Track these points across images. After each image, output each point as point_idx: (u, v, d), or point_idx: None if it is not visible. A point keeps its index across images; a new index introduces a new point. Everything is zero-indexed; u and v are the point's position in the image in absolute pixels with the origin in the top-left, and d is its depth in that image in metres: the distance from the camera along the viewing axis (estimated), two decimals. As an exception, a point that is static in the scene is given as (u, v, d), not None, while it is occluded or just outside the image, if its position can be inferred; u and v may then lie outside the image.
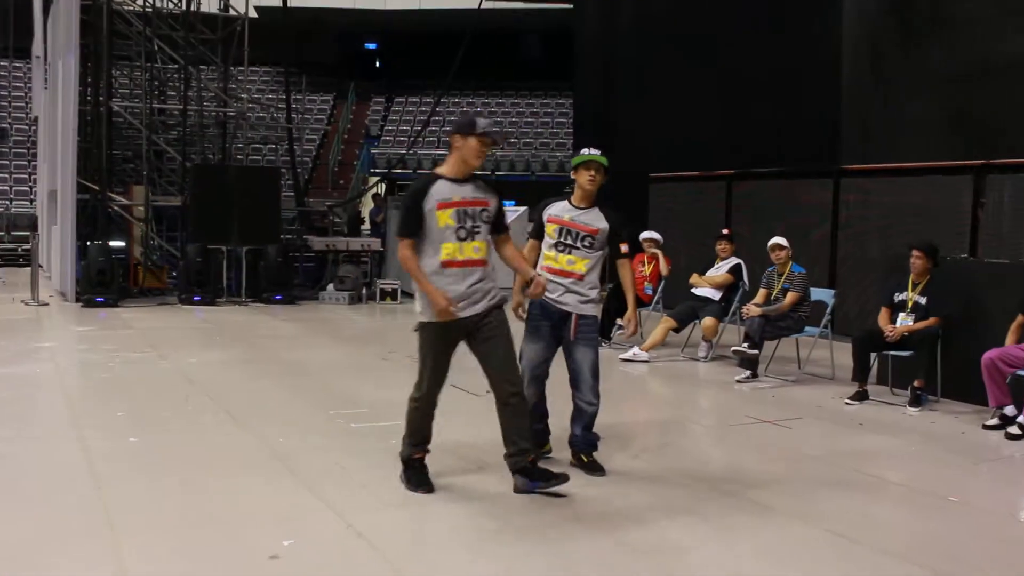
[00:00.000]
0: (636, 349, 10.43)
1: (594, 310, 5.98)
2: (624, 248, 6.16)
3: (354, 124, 33.03)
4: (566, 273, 5.90)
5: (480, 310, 5.37)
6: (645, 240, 11.81)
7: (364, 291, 16.68)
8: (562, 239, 5.93)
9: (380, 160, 29.25)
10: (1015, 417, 7.26)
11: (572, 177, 6.04)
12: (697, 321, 10.73)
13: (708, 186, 15.53)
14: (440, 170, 5.41)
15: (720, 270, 10.88)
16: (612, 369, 10.10)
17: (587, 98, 22.44)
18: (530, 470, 5.44)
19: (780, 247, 9.81)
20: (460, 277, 5.27)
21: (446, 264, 5.23)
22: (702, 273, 10.99)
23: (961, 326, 8.30)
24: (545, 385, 6.12)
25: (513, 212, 21.34)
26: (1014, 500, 5.82)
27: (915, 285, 8.44)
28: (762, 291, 9.93)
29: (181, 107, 18.90)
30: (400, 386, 8.73)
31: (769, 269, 10.00)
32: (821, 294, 10.09)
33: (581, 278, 5.92)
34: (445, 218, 5.19)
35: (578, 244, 5.93)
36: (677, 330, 10.75)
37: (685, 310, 10.78)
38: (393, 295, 16.60)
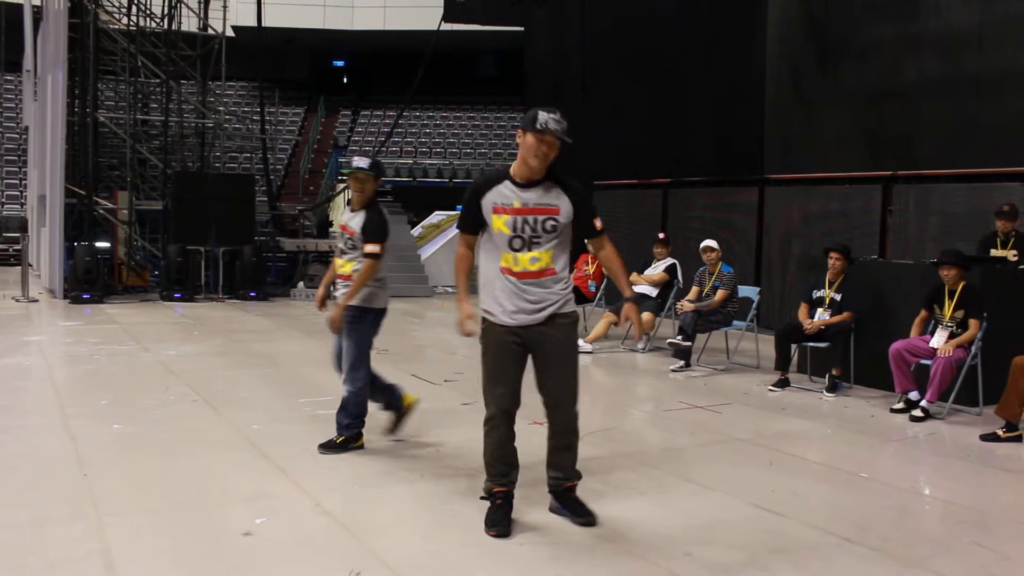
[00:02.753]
0: (580, 341, 10.41)
1: (360, 301, 5.66)
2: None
3: (323, 135, 32.79)
4: (341, 277, 5.61)
5: (539, 320, 4.40)
6: (590, 242, 11.84)
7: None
8: (340, 245, 5.32)
9: (347, 168, 29.05)
10: (918, 401, 7.37)
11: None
12: (636, 316, 10.78)
13: (646, 193, 15.63)
14: (512, 168, 4.44)
15: (657, 269, 10.93)
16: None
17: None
18: (563, 498, 4.71)
19: (711, 249, 9.88)
20: (515, 289, 4.37)
21: (504, 271, 4.38)
22: (640, 272, 11.04)
23: (872, 320, 8.42)
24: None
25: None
26: (917, 476, 5.91)
27: (831, 283, 8.53)
28: (694, 288, 9.99)
29: (163, 118, 18.69)
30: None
31: (701, 269, 10.06)
32: (747, 291, 10.16)
33: (349, 278, 5.62)
34: (499, 224, 4.34)
35: (350, 247, 5.52)
36: (618, 324, 10.78)
37: (625, 306, 10.82)
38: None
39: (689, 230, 13.69)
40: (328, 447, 5.79)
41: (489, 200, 4.39)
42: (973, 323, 7.36)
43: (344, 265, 5.75)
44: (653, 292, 10.77)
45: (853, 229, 11.77)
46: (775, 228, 13.18)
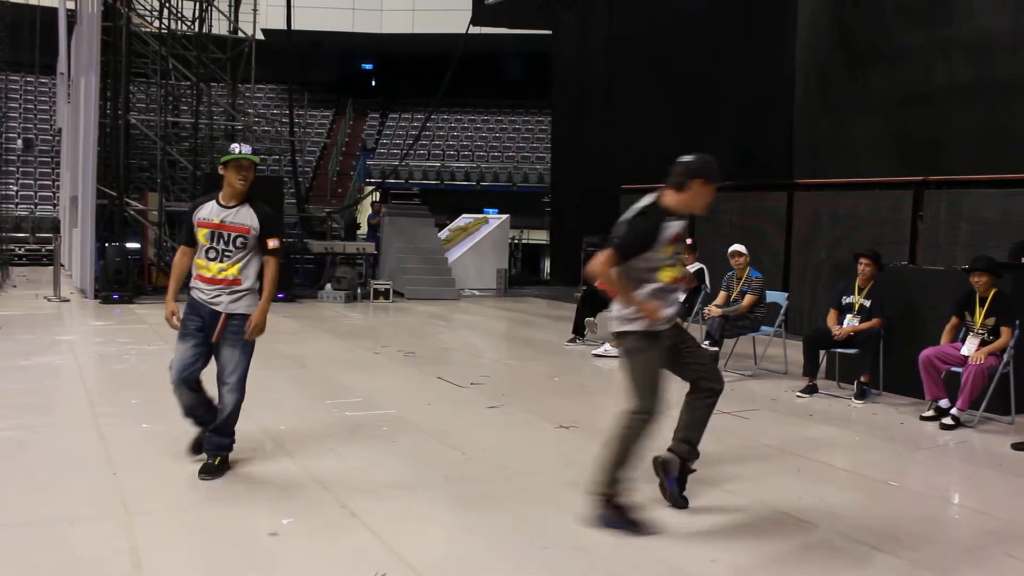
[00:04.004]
0: (608, 345, 10.41)
1: (247, 308, 5.17)
2: (272, 244, 5.18)
3: (351, 137, 32.94)
4: (217, 281, 5.14)
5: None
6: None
7: (359, 291, 16.64)
8: (214, 244, 5.11)
9: (375, 170, 29.17)
10: (948, 409, 7.29)
11: (222, 174, 5.15)
12: (663, 320, 10.72)
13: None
14: (668, 204, 4.94)
15: (684, 274, 10.88)
16: (585, 364, 10.09)
17: (563, 116, 22.46)
18: (681, 470, 5.03)
19: (739, 253, 9.82)
20: (670, 299, 4.93)
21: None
22: (667, 277, 10.98)
23: (901, 327, 8.34)
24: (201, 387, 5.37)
25: (496, 219, 21.39)
26: (946, 484, 5.84)
27: (860, 289, 8.45)
28: (722, 293, 9.93)
29: (193, 120, 18.83)
30: (391, 377, 8.77)
31: (729, 273, 10.00)
32: (775, 296, 10.10)
33: (238, 282, 5.15)
34: (668, 250, 4.81)
35: (230, 247, 5.13)
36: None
37: (652, 310, 10.77)
38: (386, 295, 16.59)
39: (717, 235, 13.60)
40: (210, 472, 5.20)
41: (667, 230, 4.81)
42: (1005, 331, 7.27)
43: (227, 268, 5.13)
44: (681, 297, 10.71)
45: (883, 235, 11.67)
46: (803, 233, 13.10)
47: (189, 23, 19.64)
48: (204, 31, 19.37)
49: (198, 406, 5.34)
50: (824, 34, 14.07)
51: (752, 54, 15.46)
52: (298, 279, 17.52)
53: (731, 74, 15.83)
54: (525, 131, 32.85)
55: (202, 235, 5.12)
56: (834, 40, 13.83)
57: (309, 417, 6.88)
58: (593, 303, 11.53)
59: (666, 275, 4.89)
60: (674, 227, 4.86)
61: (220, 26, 20.20)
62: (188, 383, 5.22)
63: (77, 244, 16.08)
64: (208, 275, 5.14)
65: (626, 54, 19.08)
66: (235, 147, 5.16)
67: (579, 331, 11.38)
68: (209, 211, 5.14)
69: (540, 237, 26.10)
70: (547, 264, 24.78)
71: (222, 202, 5.16)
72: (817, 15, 14.19)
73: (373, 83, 36.59)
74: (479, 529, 4.52)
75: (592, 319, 11.45)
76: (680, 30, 17.16)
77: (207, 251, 5.13)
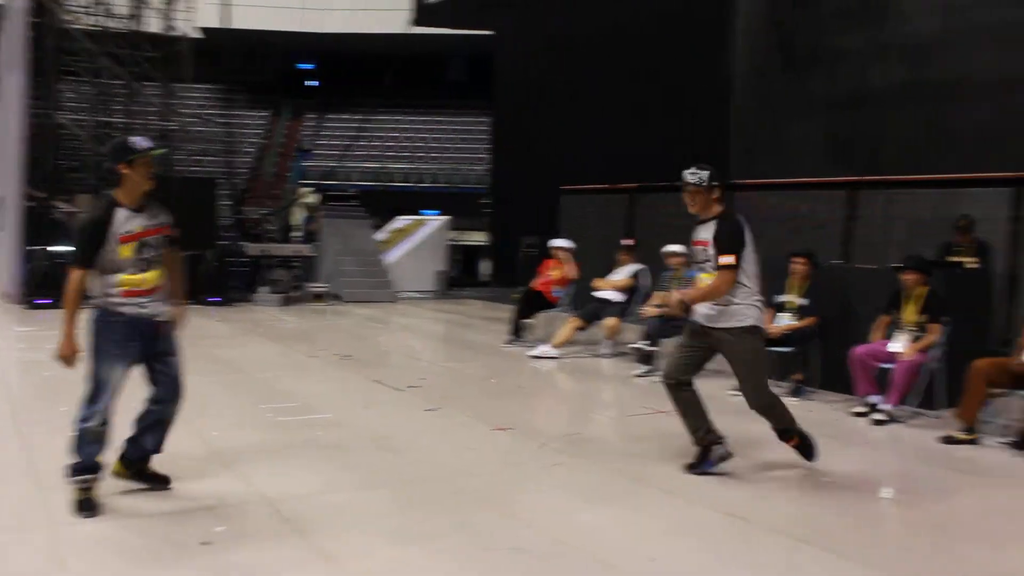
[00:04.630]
0: (545, 346, 10.44)
1: (168, 309, 4.92)
2: (174, 233, 4.97)
3: (288, 138, 32.62)
4: (154, 290, 4.77)
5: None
6: (555, 248, 11.83)
7: (295, 294, 16.49)
8: (143, 255, 4.70)
9: (312, 172, 28.92)
10: (879, 405, 7.43)
11: (125, 172, 4.65)
12: (600, 321, 10.79)
13: (613, 198, 15.64)
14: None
15: (621, 274, 10.95)
16: (523, 365, 10.11)
17: (503, 117, 22.52)
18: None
19: (676, 254, 9.91)
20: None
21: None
22: (604, 276, 11.05)
23: (835, 325, 8.47)
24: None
25: (434, 221, 21.35)
26: (877, 478, 5.95)
27: (795, 288, 8.58)
28: (658, 294, 10.01)
29: (126, 120, 18.47)
30: (327, 381, 8.70)
31: (665, 274, 10.09)
32: (712, 296, 10.18)
33: (164, 284, 4.87)
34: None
35: (156, 251, 4.79)
36: (583, 329, 10.79)
37: (590, 310, 10.83)
38: (322, 297, 16.46)
39: (656, 235, 13.70)
40: (163, 481, 5.06)
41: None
42: (934, 327, 7.43)
43: (157, 274, 4.79)
44: (618, 297, 10.79)
45: (818, 234, 11.86)
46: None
47: (122, 20, 19.27)
48: (137, 29, 19.02)
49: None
50: (762, 36, 14.29)
51: (691, 56, 15.63)
52: (233, 282, 17.29)
53: (670, 76, 16.00)
54: (464, 132, 32.83)
55: (128, 249, 4.64)
56: (772, 42, 14.05)
57: (244, 423, 6.80)
58: (531, 305, 11.56)
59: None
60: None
61: (155, 23, 19.85)
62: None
63: (3, 247, 15.69)
64: (145, 288, 4.72)
65: (567, 55, 19.18)
66: (139, 141, 4.74)
67: (517, 333, 11.40)
68: (126, 222, 4.63)
69: (479, 239, 26.09)
70: (486, 265, 24.79)
71: (131, 206, 4.68)
72: (755, 17, 14.41)
73: (312, 83, 36.28)
74: (418, 533, 4.50)
75: (531, 320, 11.48)
76: (621, 32, 17.30)
77: (134, 264, 4.67)
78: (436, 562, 4.15)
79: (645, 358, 9.50)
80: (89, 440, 4.70)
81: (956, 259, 8.89)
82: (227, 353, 10.30)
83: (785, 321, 8.51)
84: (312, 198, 21.42)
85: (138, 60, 18.60)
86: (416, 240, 20.65)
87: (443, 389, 8.47)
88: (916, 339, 7.48)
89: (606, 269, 11.24)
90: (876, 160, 12.18)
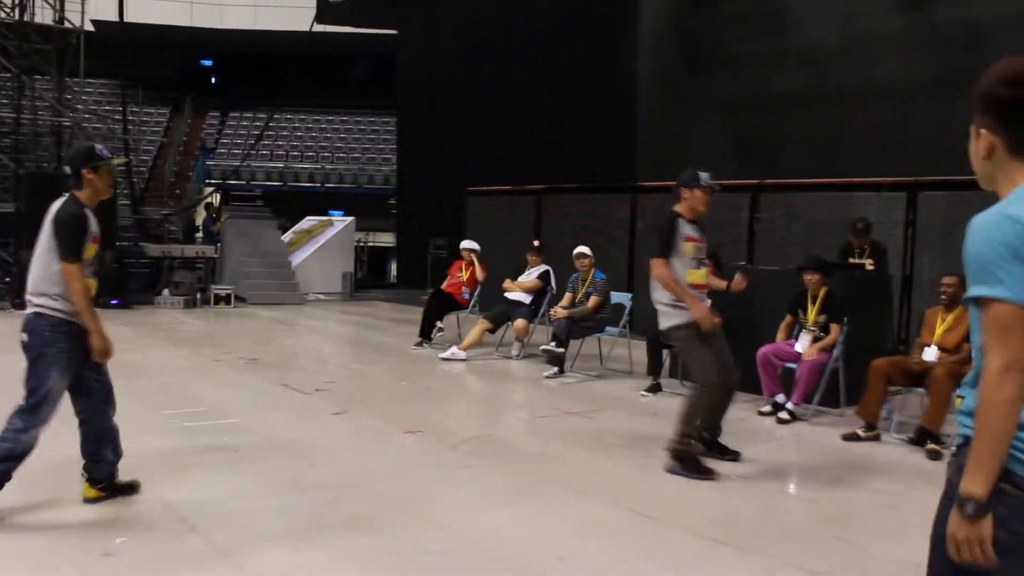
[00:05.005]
0: (455, 348, 10.43)
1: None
2: None
3: (190, 137, 31.92)
4: (94, 298, 4.76)
5: None
6: (464, 249, 11.84)
7: (199, 296, 16.16)
8: (92, 261, 4.75)
9: (215, 172, 28.37)
10: (785, 404, 7.63)
11: (88, 177, 4.73)
12: (510, 323, 10.83)
13: (520, 200, 15.73)
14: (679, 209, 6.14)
15: (530, 276, 11.01)
16: (433, 367, 10.08)
17: (409, 116, 22.45)
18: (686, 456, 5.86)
19: (584, 255, 10.01)
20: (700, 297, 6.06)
21: (692, 286, 5.95)
22: (515, 278, 11.10)
23: (741, 325, 8.63)
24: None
25: (341, 222, 21.15)
26: (783, 476, 6.11)
27: (701, 289, 8.73)
28: (568, 295, 10.11)
29: (14, 115, 17.84)
30: (233, 386, 8.55)
31: (574, 275, 10.18)
32: (620, 297, 10.33)
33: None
34: (691, 250, 5.98)
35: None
36: (492, 331, 10.81)
37: (499, 312, 10.86)
38: (227, 300, 16.16)
39: (563, 237, 13.83)
40: (134, 487, 5.04)
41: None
42: (834, 327, 7.65)
43: (94, 280, 4.80)
44: (527, 299, 10.84)
45: (723, 236, 12.10)
46: (647, 235, 13.44)
47: (8, 10, 18.57)
48: (26, 19, 18.36)
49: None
50: (666, 40, 14.53)
51: (596, 58, 15.80)
52: (133, 284, 16.85)
53: (577, 77, 16.14)
54: (371, 132, 32.58)
55: (92, 250, 4.69)
56: (676, 45, 14.29)
57: (149, 429, 6.61)
58: (440, 306, 11.55)
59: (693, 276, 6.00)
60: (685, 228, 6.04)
61: (44, 15, 19.20)
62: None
63: None
64: (92, 293, 4.70)
65: (473, 55, 19.20)
66: (101, 149, 4.84)
67: (426, 334, 11.37)
68: (92, 223, 4.68)
69: (386, 239, 25.97)
70: (393, 267, 24.67)
71: (91, 210, 4.73)
72: (659, 21, 14.64)
73: (213, 80, 35.58)
74: (325, 538, 4.46)
75: (439, 322, 11.46)
76: (526, 32, 17.39)
77: (88, 267, 4.66)
78: (343, 565, 4.11)
79: (554, 359, 9.56)
80: (17, 454, 4.56)
81: (854, 261, 9.16)
82: (130, 357, 10.01)
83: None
84: (215, 198, 21.03)
85: (27, 53, 17.97)
86: (322, 241, 20.44)
87: (351, 392, 8.41)
88: (817, 339, 7.69)
89: (515, 270, 11.29)
90: (777, 163, 12.50)
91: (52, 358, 4.59)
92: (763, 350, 7.77)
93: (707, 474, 5.75)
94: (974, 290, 1.97)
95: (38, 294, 4.61)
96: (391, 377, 9.47)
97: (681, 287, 5.88)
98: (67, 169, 4.88)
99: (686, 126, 13.97)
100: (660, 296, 6.00)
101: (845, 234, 9.69)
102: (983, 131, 2.07)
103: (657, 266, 5.93)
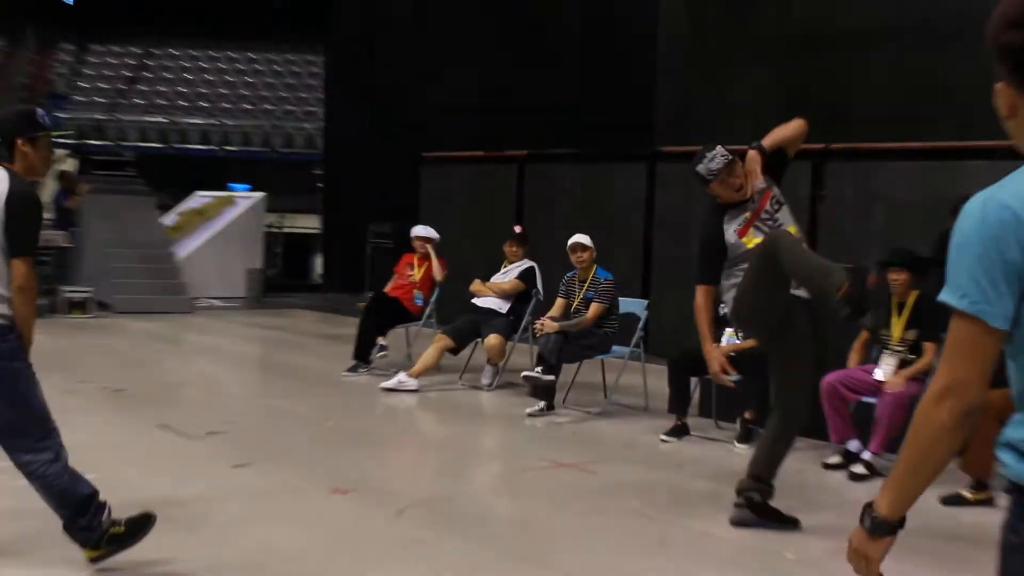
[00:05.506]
0: (403, 375, 10.36)
1: None
2: None
3: (33, 79, 31.75)
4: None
5: None
6: (416, 238, 11.76)
7: (46, 301, 16.03)
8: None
9: (69, 127, 28.21)
10: (860, 453, 7.58)
11: (23, 150, 5.01)
12: (479, 340, 10.77)
13: (496, 170, 15.68)
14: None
15: (508, 275, 10.95)
16: (373, 402, 10.02)
17: (345, 56, 22.37)
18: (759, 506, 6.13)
19: (582, 247, 9.96)
20: None
21: None
22: (486, 279, 11.03)
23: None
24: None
25: (246, 199, 21.08)
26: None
27: (744, 295, 8.70)
28: (560, 301, 10.05)
29: None
30: (92, 426, 8.43)
31: (569, 274, 10.13)
32: (632, 305, 10.29)
33: None
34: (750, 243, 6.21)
35: None
36: (455, 351, 10.74)
37: (465, 326, 10.79)
38: (85, 306, 16.06)
39: (554, 221, 13.79)
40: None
41: None
42: (929, 347, 7.62)
43: None
44: (503, 307, 10.78)
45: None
46: (670, 219, 13.41)
47: None
48: None
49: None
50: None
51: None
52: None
53: (573, 6, 16.13)
54: (289, 76, 32.55)
55: None
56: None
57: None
58: (383, 316, 11.46)
59: None
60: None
61: None
62: None
63: None
64: None
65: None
66: (43, 115, 5.14)
67: (363, 356, 11.29)
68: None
69: (309, 225, 25.91)
70: (319, 262, 24.62)
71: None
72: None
73: (68, 2, 35.45)
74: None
75: (382, 339, 11.39)
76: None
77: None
78: None
79: (541, 391, 9.50)
80: (73, 474, 5.10)
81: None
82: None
83: (727, 340, 8.61)
84: (69, 164, 20.86)
85: None
86: (220, 226, 20.35)
87: (259, 436, 8.37)
88: (906, 363, 7.65)
89: (488, 268, 11.23)
90: (847, 123, 12.50)
91: (23, 372, 4.93)
92: (829, 378, 7.72)
93: (792, 524, 6.11)
94: (942, 293, 2.16)
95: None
96: (314, 415, 9.41)
97: (706, 329, 6.23)
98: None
99: (723, 74, 13.94)
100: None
101: (945, 219, 9.67)
102: (1000, 85, 2.17)
103: (698, 294, 6.24)
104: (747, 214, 6.19)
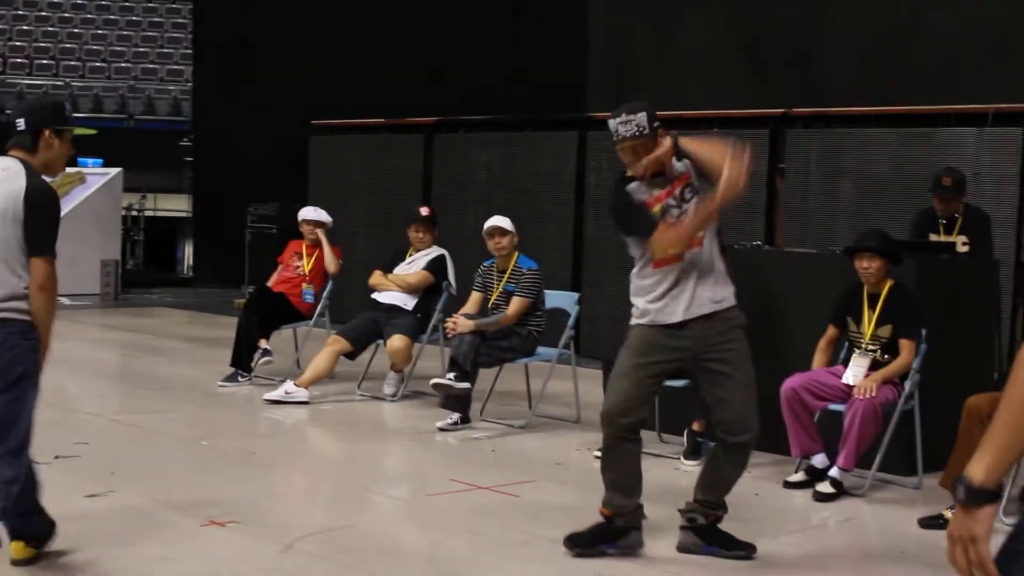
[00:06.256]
0: (290, 385, 10.35)
1: None
2: None
3: None
4: None
5: None
6: (305, 222, 11.73)
7: None
8: None
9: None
10: (826, 469, 7.67)
11: (49, 141, 5.59)
12: (381, 342, 10.77)
13: (399, 142, 15.65)
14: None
15: (414, 265, 10.95)
16: (255, 417, 10.00)
17: (215, 7, 22.20)
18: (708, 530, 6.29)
19: (501, 231, 9.98)
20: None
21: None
22: (388, 270, 11.03)
23: (753, 343, 8.63)
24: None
25: (99, 176, 20.87)
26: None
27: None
28: (475, 295, 10.07)
29: None
30: None
31: (486, 263, 10.16)
32: (561, 299, 10.33)
33: None
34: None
35: None
36: (352, 355, 10.74)
37: (363, 326, 10.78)
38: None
39: (467, 201, 13.82)
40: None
41: None
42: (906, 345, 7.71)
43: None
44: (409, 303, 10.78)
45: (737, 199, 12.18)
46: (606, 198, 13.43)
47: None
48: None
49: None
50: None
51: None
52: None
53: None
54: (150, 26, 32.27)
55: None
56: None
57: None
58: (267, 315, 11.42)
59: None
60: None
61: None
62: None
63: None
64: None
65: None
66: (70, 109, 5.69)
67: (243, 363, 11.25)
68: None
69: (176, 206, 25.70)
70: (189, 251, 24.44)
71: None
72: None
73: None
74: None
75: (264, 342, 11.35)
76: None
77: None
78: None
79: (454, 401, 9.52)
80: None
81: (938, 239, 9.29)
82: None
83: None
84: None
85: None
86: (66, 208, 20.13)
87: (118, 459, 8.32)
88: (878, 364, 7.74)
89: (390, 256, 11.23)
90: (811, 84, 12.64)
91: (31, 377, 5.38)
92: (791, 382, 7.78)
93: (746, 549, 6.24)
94: None
95: (7, 297, 5.36)
96: (185, 434, 9.39)
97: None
98: (20, 123, 5.47)
99: (666, 26, 14.02)
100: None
101: (924, 197, 9.81)
102: None
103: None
104: (658, 191, 6.24)
